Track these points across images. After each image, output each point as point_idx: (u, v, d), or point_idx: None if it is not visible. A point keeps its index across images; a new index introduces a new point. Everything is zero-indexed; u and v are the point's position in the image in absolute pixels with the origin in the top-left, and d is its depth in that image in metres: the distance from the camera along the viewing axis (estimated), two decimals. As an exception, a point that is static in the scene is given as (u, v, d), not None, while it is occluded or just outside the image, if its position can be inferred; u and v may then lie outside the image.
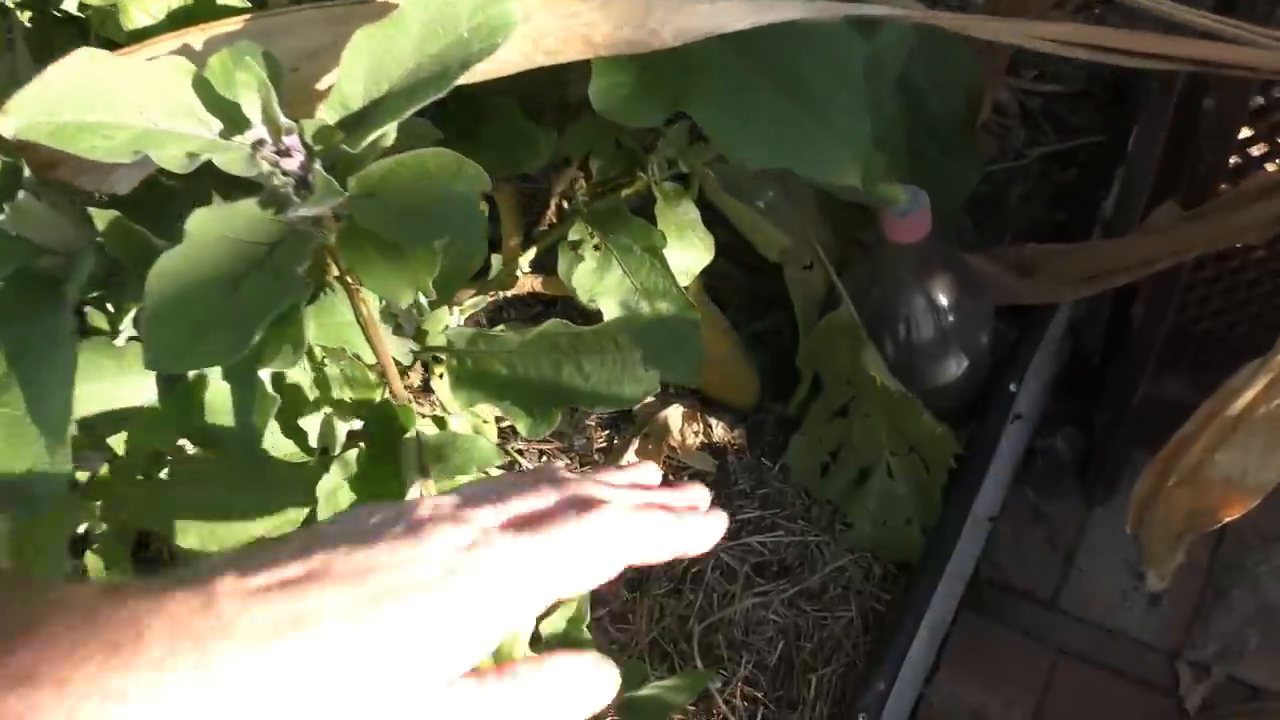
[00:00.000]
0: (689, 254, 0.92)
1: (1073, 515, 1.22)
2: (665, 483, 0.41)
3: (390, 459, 0.57)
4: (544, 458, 1.11)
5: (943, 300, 1.00)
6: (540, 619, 0.70)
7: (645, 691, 0.70)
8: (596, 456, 1.12)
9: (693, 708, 0.95)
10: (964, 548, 1.06)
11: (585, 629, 0.69)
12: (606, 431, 1.14)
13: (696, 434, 1.14)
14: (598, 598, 1.02)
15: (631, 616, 1.02)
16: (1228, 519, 0.76)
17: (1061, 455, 1.25)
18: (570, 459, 1.10)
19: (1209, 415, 0.75)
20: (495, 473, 0.59)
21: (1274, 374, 0.69)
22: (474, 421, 0.75)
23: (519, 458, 1.10)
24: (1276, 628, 1.11)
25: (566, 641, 0.69)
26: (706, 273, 0.93)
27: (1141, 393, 1.05)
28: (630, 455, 1.10)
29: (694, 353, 0.85)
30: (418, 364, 0.70)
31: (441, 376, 0.66)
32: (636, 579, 1.04)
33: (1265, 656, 1.10)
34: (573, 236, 0.88)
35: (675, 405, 1.14)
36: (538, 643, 0.70)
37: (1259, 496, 0.74)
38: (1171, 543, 0.82)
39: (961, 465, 1.03)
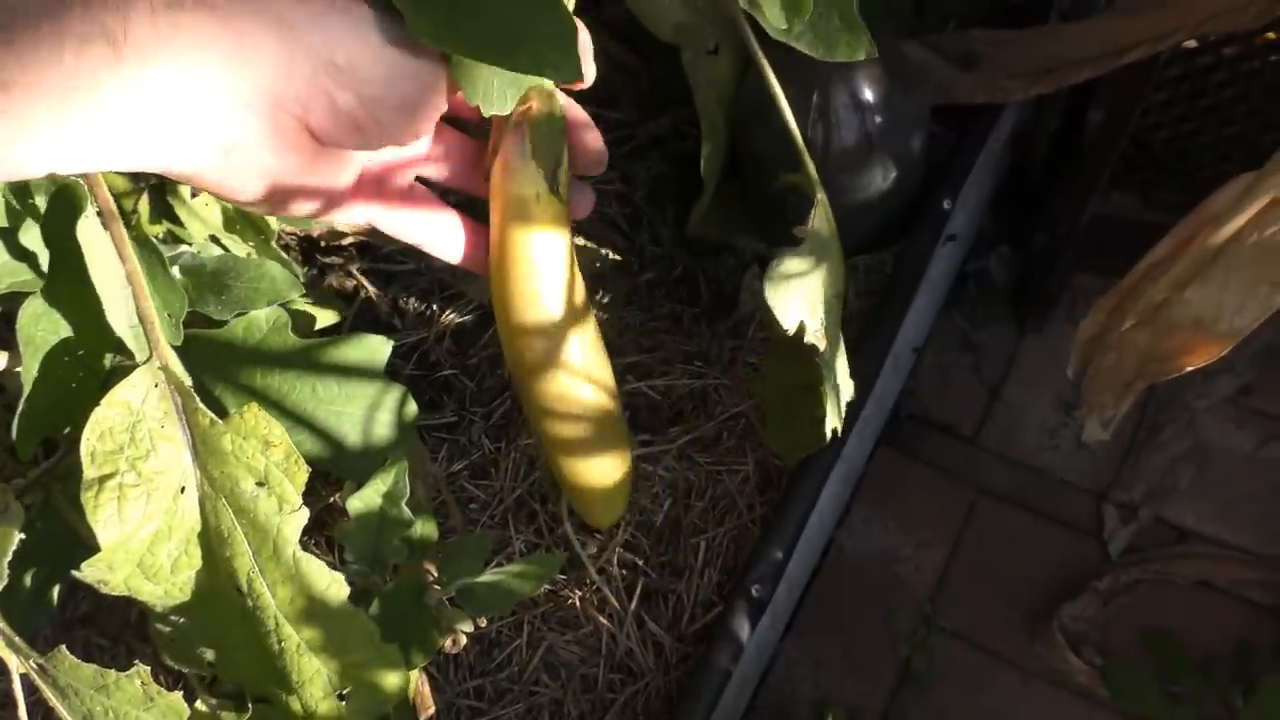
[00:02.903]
0: None
1: (1003, 344, 1.13)
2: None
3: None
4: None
5: (868, 95, 0.86)
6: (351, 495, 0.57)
7: (486, 578, 0.58)
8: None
9: (562, 576, 0.82)
10: (885, 384, 0.94)
11: (403, 506, 0.56)
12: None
13: (594, 263, 0.99)
14: (457, 449, 0.88)
15: (494, 470, 0.88)
16: (1190, 367, 0.64)
17: (995, 278, 1.14)
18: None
19: (1180, 244, 0.63)
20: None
21: (1271, 194, 0.55)
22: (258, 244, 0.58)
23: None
24: (1209, 467, 1.03)
25: (384, 519, 0.57)
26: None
27: (1090, 210, 0.92)
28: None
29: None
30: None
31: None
32: (503, 425, 0.89)
33: (1195, 497, 1.03)
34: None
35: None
36: (345, 519, 0.57)
37: (1232, 343, 0.61)
38: (1120, 390, 0.70)
39: (886, 293, 0.90)
